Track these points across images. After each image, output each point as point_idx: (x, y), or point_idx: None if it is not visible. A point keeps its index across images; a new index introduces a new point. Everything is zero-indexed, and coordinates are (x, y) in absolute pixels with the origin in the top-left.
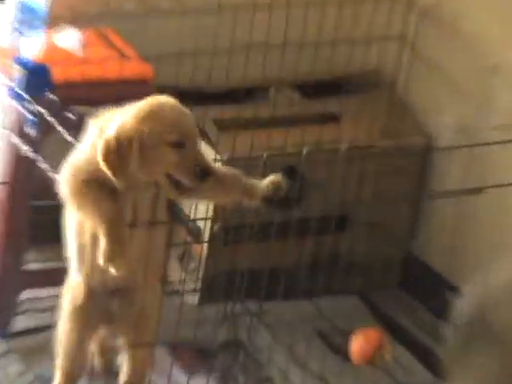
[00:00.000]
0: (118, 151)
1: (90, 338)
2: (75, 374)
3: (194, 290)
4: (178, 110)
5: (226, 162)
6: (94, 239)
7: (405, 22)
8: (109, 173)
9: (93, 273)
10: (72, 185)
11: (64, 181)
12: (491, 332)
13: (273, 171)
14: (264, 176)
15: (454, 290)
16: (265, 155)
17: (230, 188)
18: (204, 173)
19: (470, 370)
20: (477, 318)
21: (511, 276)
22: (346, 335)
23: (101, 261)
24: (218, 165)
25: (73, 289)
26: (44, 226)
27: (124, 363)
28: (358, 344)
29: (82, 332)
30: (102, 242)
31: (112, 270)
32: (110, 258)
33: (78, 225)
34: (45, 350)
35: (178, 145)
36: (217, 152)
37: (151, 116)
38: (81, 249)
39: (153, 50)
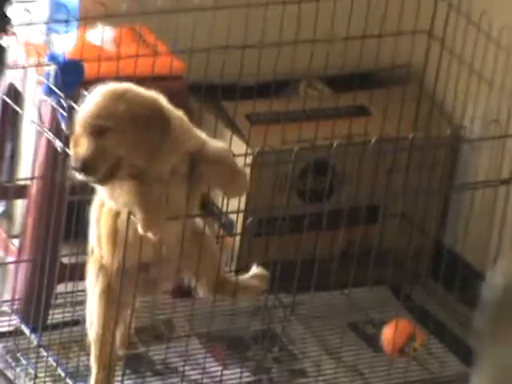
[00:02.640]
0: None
1: (122, 317)
2: (112, 358)
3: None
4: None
5: (257, 156)
6: (127, 222)
7: (433, 17)
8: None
9: (128, 254)
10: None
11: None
12: None
13: (304, 164)
14: (294, 170)
15: (485, 279)
16: (296, 149)
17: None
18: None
19: (502, 349)
20: (507, 297)
21: None
22: (379, 326)
23: (140, 230)
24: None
25: (105, 271)
26: (79, 220)
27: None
28: (389, 335)
29: (115, 311)
30: (139, 214)
31: (151, 235)
32: (148, 225)
33: (108, 212)
34: (80, 344)
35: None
36: (248, 146)
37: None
38: (112, 234)
39: (185, 46)
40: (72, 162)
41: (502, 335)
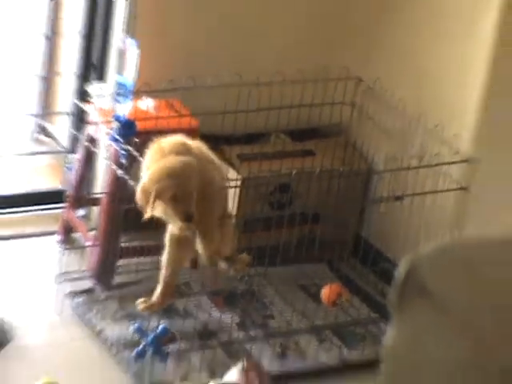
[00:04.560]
0: (144, 194)
1: (183, 258)
2: (177, 283)
3: (226, 259)
4: (178, 173)
5: (244, 180)
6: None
7: (356, 92)
8: (140, 205)
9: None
10: (142, 196)
11: (139, 192)
12: (424, 289)
13: (273, 186)
14: (267, 189)
15: (389, 261)
16: (268, 176)
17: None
18: (188, 216)
19: (406, 318)
20: (410, 278)
21: (437, 247)
22: (319, 288)
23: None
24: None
25: (173, 235)
26: (132, 220)
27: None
28: (326, 293)
29: (179, 255)
30: (176, 219)
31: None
32: (183, 229)
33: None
34: (132, 297)
35: (173, 198)
36: (238, 174)
37: (160, 179)
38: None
39: (199, 110)
40: (180, 215)
41: (405, 308)
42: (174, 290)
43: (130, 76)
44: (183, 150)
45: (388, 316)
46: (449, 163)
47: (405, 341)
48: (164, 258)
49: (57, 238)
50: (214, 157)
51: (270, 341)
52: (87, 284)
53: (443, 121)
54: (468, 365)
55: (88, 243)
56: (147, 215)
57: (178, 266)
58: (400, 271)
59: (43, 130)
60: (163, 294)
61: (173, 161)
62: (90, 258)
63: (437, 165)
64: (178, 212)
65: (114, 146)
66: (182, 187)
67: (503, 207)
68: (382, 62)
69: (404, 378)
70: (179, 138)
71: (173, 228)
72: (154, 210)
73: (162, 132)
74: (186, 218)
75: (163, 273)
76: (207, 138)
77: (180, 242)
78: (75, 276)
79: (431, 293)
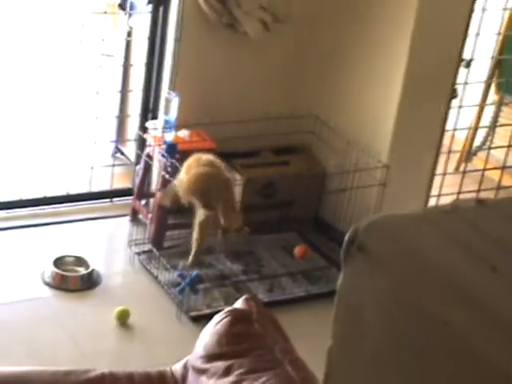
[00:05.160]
0: (184, 191)
1: (207, 231)
2: (204, 246)
3: (235, 230)
4: (201, 181)
5: (245, 181)
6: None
7: (315, 124)
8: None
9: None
10: (183, 191)
11: (180, 189)
12: (363, 246)
13: (262, 183)
14: (260, 186)
15: (337, 230)
16: (260, 177)
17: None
18: (210, 205)
19: (350, 267)
20: (354, 239)
21: (371, 219)
22: (293, 248)
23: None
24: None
25: (200, 216)
26: (175, 206)
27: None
28: (298, 251)
29: (203, 229)
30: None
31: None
32: (206, 213)
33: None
34: (178, 257)
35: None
36: (241, 176)
37: (194, 180)
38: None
39: (216, 137)
40: (205, 204)
41: (349, 260)
42: (202, 250)
43: (173, 116)
44: (207, 162)
45: (337, 265)
46: (373, 168)
47: (349, 284)
48: (194, 231)
49: (128, 218)
50: (225, 166)
51: (263, 281)
52: (148, 247)
53: (370, 140)
54: (390, 300)
55: (147, 221)
56: (184, 202)
57: (203, 236)
58: (347, 235)
59: (119, 151)
60: (195, 253)
61: (201, 169)
62: (149, 230)
63: (366, 169)
64: (204, 202)
65: (163, 160)
66: (202, 188)
67: (409, 197)
68: (331, 104)
69: (350, 311)
70: (204, 155)
71: (199, 211)
72: (190, 200)
73: (193, 151)
74: (205, 206)
75: (194, 239)
76: (221, 154)
77: (203, 221)
78: (140, 242)
79: (367, 250)
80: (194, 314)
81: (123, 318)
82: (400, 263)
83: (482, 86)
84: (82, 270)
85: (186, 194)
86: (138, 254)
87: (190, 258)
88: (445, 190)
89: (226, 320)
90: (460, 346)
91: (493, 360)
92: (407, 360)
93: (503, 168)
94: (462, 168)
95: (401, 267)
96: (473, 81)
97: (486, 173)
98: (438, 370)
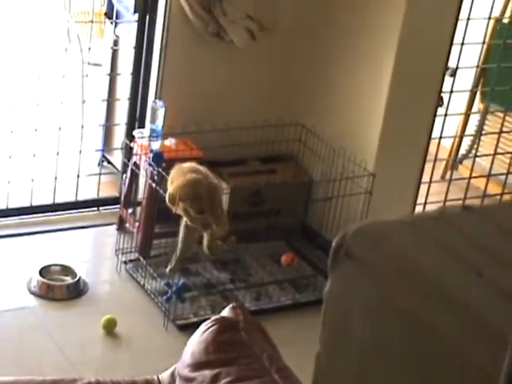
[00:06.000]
0: (171, 198)
1: (193, 239)
2: (186, 255)
3: (221, 239)
4: (192, 186)
5: (232, 189)
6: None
7: (301, 133)
8: (168, 205)
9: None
10: (171, 199)
11: (167, 197)
12: (350, 253)
13: (250, 191)
14: (247, 193)
15: (323, 238)
16: (247, 185)
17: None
18: (200, 210)
19: (337, 274)
20: (341, 246)
21: (358, 225)
22: (280, 256)
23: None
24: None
25: (186, 224)
26: (161, 215)
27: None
28: (285, 259)
29: (190, 235)
30: (192, 213)
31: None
32: (193, 220)
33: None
34: (163, 264)
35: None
36: (228, 185)
37: (181, 188)
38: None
39: (202, 145)
40: (194, 210)
41: (336, 267)
42: (188, 258)
43: (159, 124)
44: (192, 169)
45: (324, 273)
46: (359, 176)
47: (336, 290)
48: (179, 238)
49: (115, 226)
50: (212, 174)
51: (250, 290)
52: (135, 255)
53: (356, 148)
54: (376, 305)
55: (134, 230)
56: (174, 211)
57: (188, 244)
58: (335, 242)
59: (106, 159)
60: (177, 260)
61: (188, 177)
62: (136, 239)
63: (352, 177)
64: (193, 208)
65: (150, 169)
66: (194, 193)
67: (395, 205)
68: (317, 112)
69: (338, 316)
70: (191, 163)
71: (186, 219)
72: (178, 208)
73: (179, 160)
74: (199, 211)
75: (179, 248)
76: (208, 163)
77: (190, 228)
78: (127, 250)
79: (354, 255)
80: (181, 322)
81: (110, 327)
82: (387, 269)
83: (467, 95)
84: (68, 279)
85: (176, 203)
86: (125, 262)
87: (171, 264)
88: (431, 198)
89: (213, 328)
90: (445, 350)
91: (477, 363)
92: (394, 364)
93: (489, 176)
94: (447, 176)
95: (387, 273)
96: (458, 89)
97: (472, 181)
98: (424, 373)
